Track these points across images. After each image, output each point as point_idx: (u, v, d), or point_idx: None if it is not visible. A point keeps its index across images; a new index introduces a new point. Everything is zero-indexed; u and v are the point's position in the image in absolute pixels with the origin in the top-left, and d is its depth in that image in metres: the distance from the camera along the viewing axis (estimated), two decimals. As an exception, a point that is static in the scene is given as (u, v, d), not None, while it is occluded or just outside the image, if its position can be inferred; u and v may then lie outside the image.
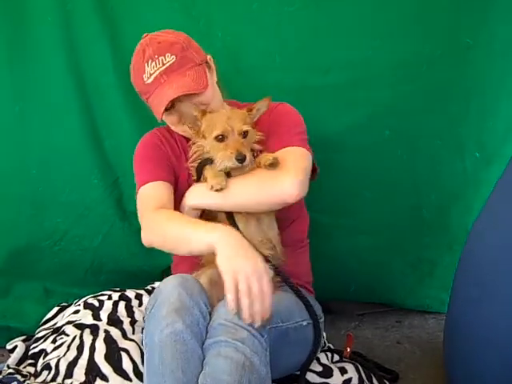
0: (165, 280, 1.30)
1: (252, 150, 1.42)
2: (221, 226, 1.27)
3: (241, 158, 1.34)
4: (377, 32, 1.83)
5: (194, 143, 1.45)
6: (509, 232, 1.24)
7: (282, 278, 1.42)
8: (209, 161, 1.41)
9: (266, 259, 1.35)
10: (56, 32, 1.86)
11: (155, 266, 1.94)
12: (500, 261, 1.25)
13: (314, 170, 1.52)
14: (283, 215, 1.47)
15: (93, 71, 1.90)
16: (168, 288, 1.25)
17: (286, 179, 1.36)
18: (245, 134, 1.39)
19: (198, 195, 1.42)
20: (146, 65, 1.40)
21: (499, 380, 1.20)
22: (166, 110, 1.41)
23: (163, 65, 1.39)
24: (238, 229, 1.36)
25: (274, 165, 1.37)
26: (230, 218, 1.40)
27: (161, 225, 1.37)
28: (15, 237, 1.97)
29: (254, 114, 1.44)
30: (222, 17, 1.86)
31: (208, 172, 1.39)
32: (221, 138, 1.37)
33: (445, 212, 1.98)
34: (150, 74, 1.40)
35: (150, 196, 1.45)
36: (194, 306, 1.21)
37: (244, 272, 1.16)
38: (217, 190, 1.35)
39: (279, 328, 1.29)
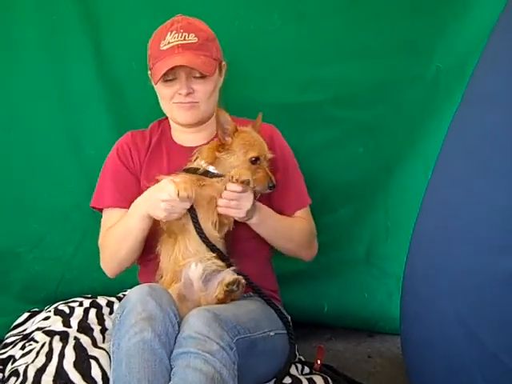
0: (133, 289, 1.30)
1: None
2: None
3: (272, 186, 1.42)
4: (354, 53, 1.91)
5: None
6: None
7: (253, 288, 1.45)
8: (210, 173, 1.44)
9: (238, 272, 1.40)
10: (41, 42, 1.90)
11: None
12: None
13: None
14: (247, 231, 1.49)
15: (76, 81, 1.93)
16: (136, 296, 1.25)
17: (315, 248, 1.68)
18: (269, 161, 1.46)
19: None
20: (168, 33, 1.47)
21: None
22: (166, 80, 1.47)
23: (184, 39, 1.45)
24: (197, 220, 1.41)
25: (247, 183, 1.40)
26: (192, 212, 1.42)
27: (105, 238, 1.54)
28: None
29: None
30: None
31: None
32: (254, 161, 1.42)
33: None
34: (169, 42, 1.46)
35: (104, 226, 1.58)
36: (163, 315, 1.22)
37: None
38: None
39: (247, 339, 1.30)
